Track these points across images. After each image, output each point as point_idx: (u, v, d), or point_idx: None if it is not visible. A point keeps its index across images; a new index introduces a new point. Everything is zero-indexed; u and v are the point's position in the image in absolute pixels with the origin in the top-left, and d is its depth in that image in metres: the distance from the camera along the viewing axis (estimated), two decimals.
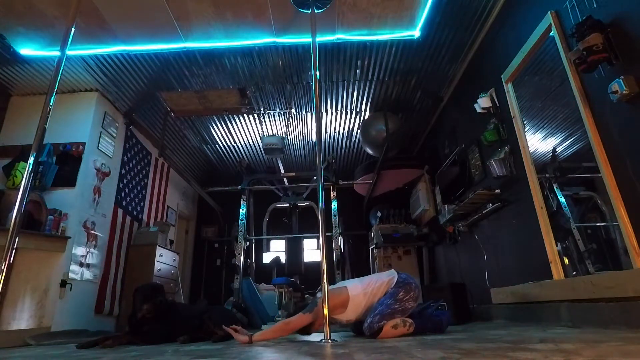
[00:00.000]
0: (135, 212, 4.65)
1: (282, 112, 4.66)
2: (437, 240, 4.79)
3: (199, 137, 5.27)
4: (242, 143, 5.48)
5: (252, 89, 4.17)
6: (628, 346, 1.11)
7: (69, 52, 3.10)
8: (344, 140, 5.47)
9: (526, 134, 2.74)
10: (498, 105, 3.07)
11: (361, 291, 2.19)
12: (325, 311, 1.94)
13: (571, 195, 2.49)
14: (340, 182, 4.80)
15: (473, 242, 3.69)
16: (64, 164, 3.70)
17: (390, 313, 2.05)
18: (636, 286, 1.66)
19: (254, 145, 5.54)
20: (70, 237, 3.45)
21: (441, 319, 2.24)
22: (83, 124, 3.89)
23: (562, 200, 2.48)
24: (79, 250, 3.58)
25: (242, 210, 4.78)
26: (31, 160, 2.00)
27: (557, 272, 2.36)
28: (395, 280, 2.19)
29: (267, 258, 6.30)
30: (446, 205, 4.04)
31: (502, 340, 1.47)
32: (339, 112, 4.71)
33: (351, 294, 2.17)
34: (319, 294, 2.26)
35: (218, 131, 5.11)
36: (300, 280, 4.60)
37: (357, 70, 3.90)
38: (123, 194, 4.40)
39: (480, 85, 3.34)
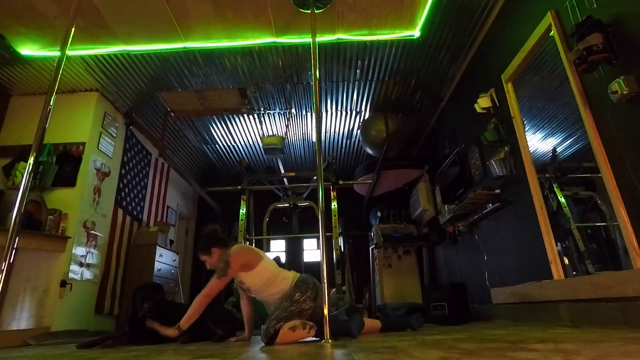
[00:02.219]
0: (135, 212, 4.65)
1: (282, 112, 4.66)
2: (437, 240, 4.79)
3: (199, 137, 5.27)
4: (242, 143, 5.48)
5: (252, 89, 4.17)
6: (628, 346, 1.11)
7: (69, 52, 3.10)
8: (344, 140, 5.47)
9: (526, 134, 2.74)
10: (498, 105, 3.06)
11: (271, 268, 2.21)
12: (325, 311, 1.94)
13: (571, 195, 2.49)
14: (340, 182, 4.80)
15: (473, 242, 3.69)
16: (64, 164, 3.70)
17: (287, 316, 2.02)
18: (636, 286, 1.66)
19: (254, 145, 5.54)
20: (70, 237, 3.45)
21: (349, 324, 2.14)
22: (83, 124, 3.89)
23: (562, 200, 2.48)
24: (79, 250, 3.58)
25: (242, 210, 4.77)
26: (31, 160, 2.00)
27: (557, 272, 2.36)
28: (296, 279, 2.20)
29: None
30: (446, 205, 4.04)
31: (502, 340, 1.47)
32: (339, 112, 4.71)
33: (263, 263, 2.18)
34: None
35: (218, 131, 5.11)
36: None
37: (357, 70, 3.90)
38: (123, 194, 4.40)
39: (480, 85, 3.34)
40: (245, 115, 4.71)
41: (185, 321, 1.98)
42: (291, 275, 2.24)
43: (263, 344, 1.97)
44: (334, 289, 4.21)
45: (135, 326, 2.47)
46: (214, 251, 2.21)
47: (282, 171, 5.48)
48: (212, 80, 3.99)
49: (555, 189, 2.52)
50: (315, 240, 6.52)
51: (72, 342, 2.86)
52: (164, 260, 4.50)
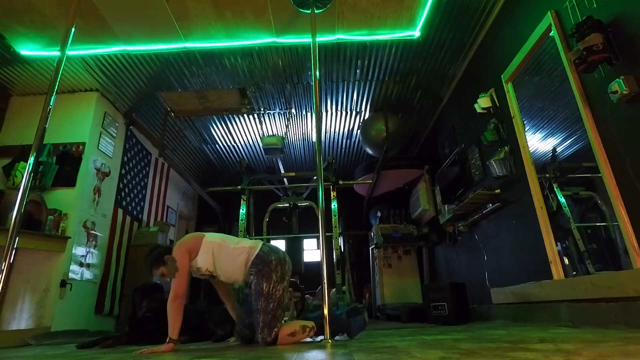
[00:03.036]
0: (135, 212, 4.65)
1: (282, 112, 4.66)
2: (437, 240, 4.79)
3: (199, 137, 5.27)
4: (242, 143, 5.48)
5: (252, 89, 4.17)
6: (628, 346, 1.11)
7: (69, 52, 3.10)
8: (344, 140, 5.47)
9: (526, 134, 2.74)
10: (498, 105, 3.07)
11: (216, 239, 2.05)
12: (325, 311, 1.94)
13: (571, 195, 2.49)
14: (340, 182, 4.80)
15: (473, 242, 3.69)
16: (64, 164, 3.70)
17: (272, 317, 1.89)
18: (636, 286, 1.66)
19: (254, 145, 5.54)
20: (70, 237, 3.45)
21: (349, 323, 2.07)
22: (83, 124, 3.89)
23: (562, 200, 2.48)
24: (79, 250, 3.58)
25: (242, 210, 4.77)
26: (31, 160, 2.00)
27: (557, 272, 2.36)
28: (256, 252, 2.00)
29: None
30: (446, 205, 4.04)
31: (502, 340, 1.47)
32: (339, 112, 4.71)
33: (205, 239, 2.03)
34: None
35: (218, 131, 5.11)
36: (300, 280, 4.60)
37: (357, 70, 3.90)
38: (123, 194, 4.40)
39: (480, 85, 3.34)
40: (245, 115, 4.71)
41: (173, 331, 1.86)
42: (247, 248, 2.03)
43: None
44: (334, 289, 4.21)
45: (136, 326, 2.47)
46: (166, 259, 2.01)
47: (282, 171, 5.48)
48: (212, 80, 3.99)
49: (555, 189, 2.52)
50: (315, 240, 6.51)
51: (72, 342, 2.86)
52: None
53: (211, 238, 2.06)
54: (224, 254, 2.02)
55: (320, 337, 1.99)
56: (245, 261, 2.00)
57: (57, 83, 2.19)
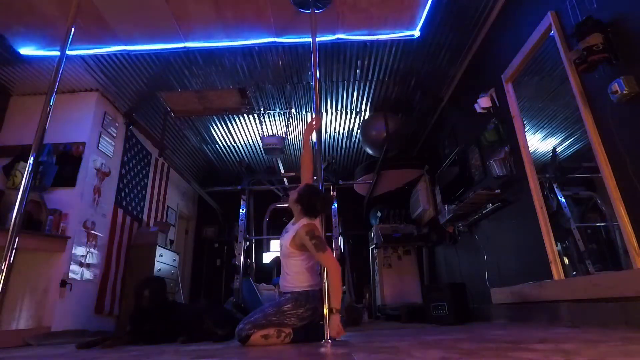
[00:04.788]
0: (135, 212, 4.65)
1: (282, 112, 4.66)
2: (437, 240, 4.79)
3: (199, 137, 5.27)
4: (242, 143, 5.48)
5: (252, 89, 4.17)
6: (628, 346, 1.11)
7: (69, 52, 3.09)
8: (344, 140, 5.47)
9: (526, 134, 2.74)
10: (498, 105, 3.06)
11: (313, 260, 2.13)
12: (326, 311, 1.94)
13: (571, 195, 2.49)
14: (340, 182, 4.80)
15: (473, 242, 3.69)
16: (64, 164, 3.70)
17: (264, 324, 1.96)
18: (636, 286, 1.66)
19: (254, 145, 5.54)
20: (70, 237, 3.45)
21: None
22: (83, 124, 3.89)
23: (562, 200, 2.48)
24: (79, 250, 3.57)
25: (242, 210, 4.78)
26: (31, 160, 2.00)
27: (557, 272, 2.36)
28: (302, 290, 2.06)
29: (267, 258, 6.29)
30: (446, 205, 4.04)
31: (502, 340, 1.47)
32: (339, 112, 4.71)
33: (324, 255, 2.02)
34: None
35: (218, 131, 5.11)
36: None
37: (357, 70, 3.90)
38: (123, 194, 4.40)
39: (480, 85, 3.34)
40: (245, 115, 4.71)
41: (338, 301, 1.94)
42: (308, 283, 2.10)
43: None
44: None
45: (137, 324, 2.48)
46: (302, 213, 2.15)
47: (282, 171, 5.48)
48: (212, 80, 3.99)
49: (555, 189, 2.52)
50: None
51: (72, 342, 2.86)
52: (164, 260, 4.50)
53: (330, 255, 2.10)
54: (296, 266, 2.12)
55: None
56: (291, 290, 2.08)
57: (57, 83, 2.19)
